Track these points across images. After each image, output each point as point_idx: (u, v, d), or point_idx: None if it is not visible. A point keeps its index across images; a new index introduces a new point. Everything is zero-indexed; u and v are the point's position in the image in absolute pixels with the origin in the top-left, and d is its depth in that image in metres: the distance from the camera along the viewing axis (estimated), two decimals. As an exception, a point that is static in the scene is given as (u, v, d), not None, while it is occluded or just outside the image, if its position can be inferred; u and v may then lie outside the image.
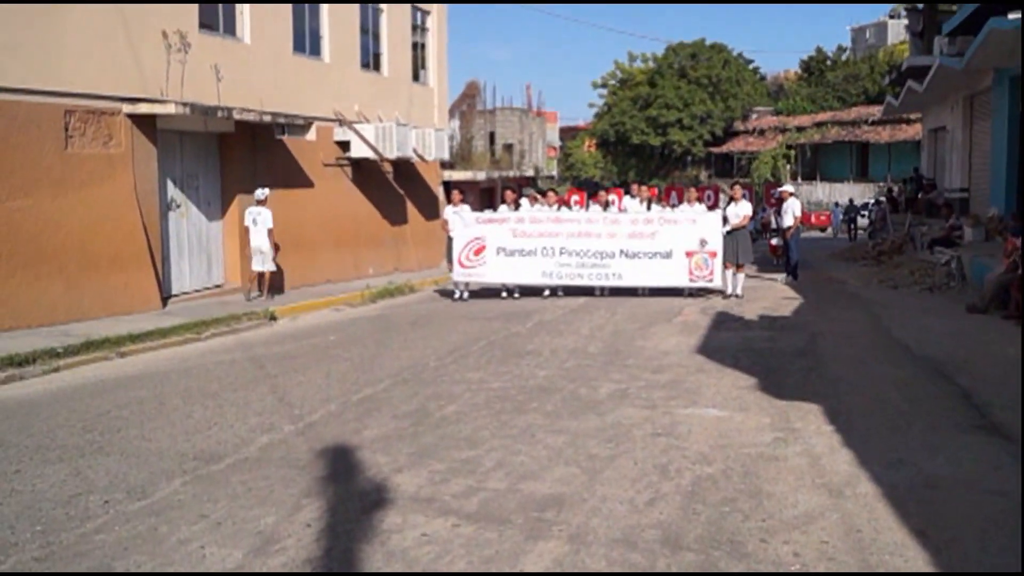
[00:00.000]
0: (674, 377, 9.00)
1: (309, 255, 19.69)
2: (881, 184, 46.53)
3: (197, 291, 17.23)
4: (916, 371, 9.14)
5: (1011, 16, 13.89)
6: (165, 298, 15.80)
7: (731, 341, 11.27)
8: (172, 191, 16.59)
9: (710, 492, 5.48)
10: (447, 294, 17.52)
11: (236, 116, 16.45)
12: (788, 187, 20.42)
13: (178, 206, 16.74)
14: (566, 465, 6.10)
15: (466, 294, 16.81)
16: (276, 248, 16.86)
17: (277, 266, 17.33)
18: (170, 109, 14.98)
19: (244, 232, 16.96)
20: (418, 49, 26.17)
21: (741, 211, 16.35)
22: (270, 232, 16.46)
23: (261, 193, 16.71)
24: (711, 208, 19.14)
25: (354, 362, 10.47)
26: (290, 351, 11.52)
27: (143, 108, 14.98)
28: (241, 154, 18.04)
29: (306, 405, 8.20)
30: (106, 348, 11.65)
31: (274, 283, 17.33)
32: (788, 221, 18.42)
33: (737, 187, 17.20)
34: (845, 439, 6.55)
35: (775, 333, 11.84)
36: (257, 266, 16.72)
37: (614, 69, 64.90)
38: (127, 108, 14.84)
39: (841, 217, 37.80)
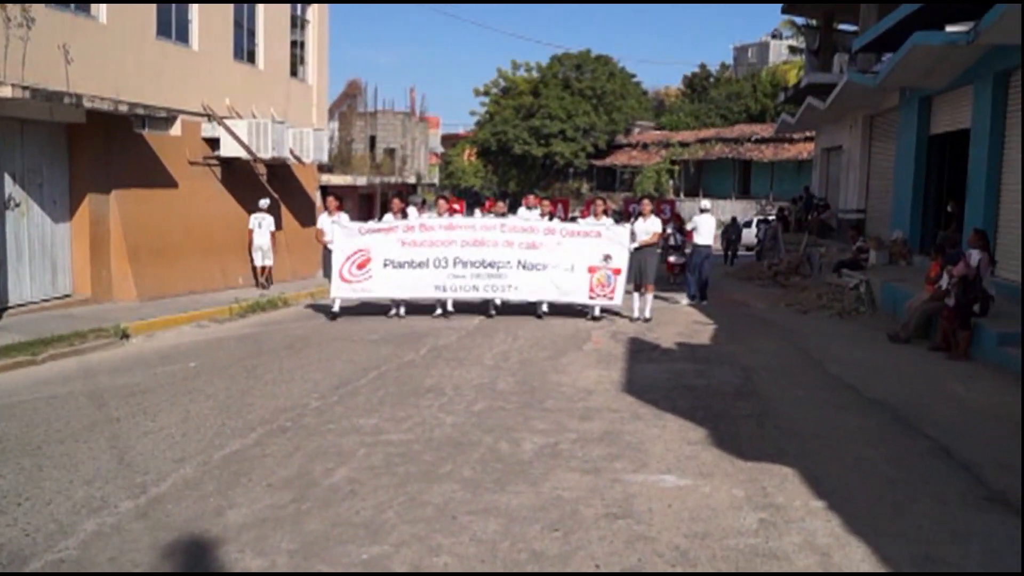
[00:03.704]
0: (608, 427, 7.58)
1: (171, 262, 17.69)
2: (763, 202, 46.49)
3: (41, 302, 15.17)
4: (878, 420, 7.98)
5: (949, 29, 13.05)
6: (0, 310, 13.72)
7: (658, 376, 9.96)
8: (10, 187, 14.42)
9: (709, 616, 4.07)
10: (324, 309, 15.76)
11: (87, 104, 14.39)
12: (705, 202, 19.41)
13: (17, 204, 14.62)
14: (506, 571, 4.61)
15: (336, 309, 15.10)
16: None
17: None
18: (6, 92, 12.81)
19: (248, 234, 19.82)
20: (298, 47, 24.35)
21: (651, 227, 15.09)
22: (273, 235, 19.97)
23: (264, 203, 20.10)
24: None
25: (219, 400, 8.70)
26: (141, 383, 9.62)
27: (-26, 91, 12.87)
28: (93, 148, 16.02)
29: (152, 467, 6.45)
30: (-83, 376, 9.71)
31: (271, 276, 20.27)
32: (706, 239, 17.33)
33: (646, 201, 15.97)
34: (846, 522, 5.26)
35: (702, 366, 10.58)
36: (259, 261, 19.90)
37: (497, 77, 63.60)
38: (-45, 90, 12.71)
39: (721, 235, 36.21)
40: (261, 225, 19.83)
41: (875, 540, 4.98)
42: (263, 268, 20.01)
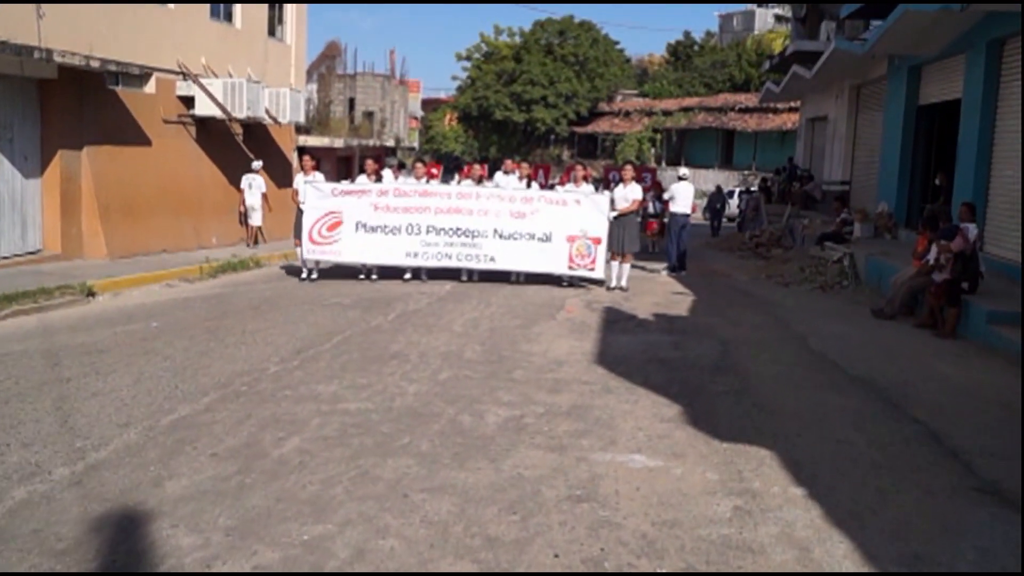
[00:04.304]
0: (577, 400, 7.20)
1: (144, 221, 17.28)
2: (746, 172, 46.11)
3: (13, 257, 14.77)
4: (862, 399, 7.61)
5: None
6: (-31, 265, 13.31)
7: (632, 348, 9.57)
8: (-21, 143, 13.97)
9: (676, 616, 3.69)
10: (295, 271, 15.30)
11: (57, 59, 13.89)
12: (683, 170, 18.94)
13: (-14, 160, 14.16)
14: (457, 558, 4.22)
15: (315, 274, 14.68)
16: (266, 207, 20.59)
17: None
18: (-26, 45, 12.35)
19: (240, 194, 20.23)
20: (276, 8, 23.69)
21: (631, 194, 14.68)
22: (264, 195, 20.23)
23: (256, 165, 20.45)
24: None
25: (175, 362, 8.27)
26: (99, 342, 9.17)
27: (-58, 44, 12.33)
28: (65, 104, 15.52)
29: (96, 431, 6.04)
30: None
31: (260, 235, 20.71)
32: (683, 208, 16.89)
33: (628, 167, 15.52)
34: (828, 513, 4.89)
35: (679, 338, 10.20)
36: (253, 222, 20.41)
37: (479, 42, 62.77)
38: (-78, 44, 12.17)
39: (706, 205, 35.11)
40: (252, 186, 20.16)
41: (859, 534, 4.60)
42: (253, 227, 20.48)
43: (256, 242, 20.45)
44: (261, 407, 6.75)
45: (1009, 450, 6.26)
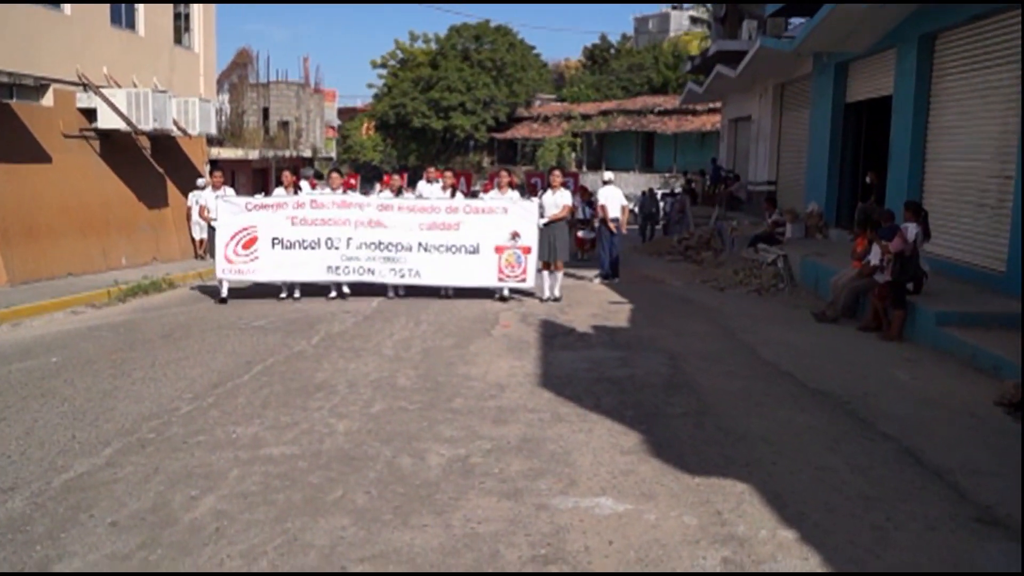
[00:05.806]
0: (527, 432, 6.53)
1: (45, 243, 16.20)
2: (667, 175, 46.00)
3: None
4: (828, 415, 7.10)
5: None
6: None
7: (576, 366, 8.95)
8: None
9: None
10: (212, 292, 14.39)
11: (-59, 71, 12.86)
12: (608, 174, 18.37)
13: None
14: (409, 650, 3.55)
15: (224, 292, 13.76)
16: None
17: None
18: None
19: (187, 210, 20.63)
20: (182, 19, 22.66)
21: (560, 200, 14.12)
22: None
23: (202, 181, 19.87)
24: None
25: (74, 405, 7.37)
26: (-12, 383, 8.26)
27: None
28: (-47, 119, 14.39)
29: (-28, 500, 5.19)
30: None
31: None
32: (613, 213, 16.33)
33: (557, 172, 14.93)
34: (827, 560, 4.31)
35: (624, 353, 9.61)
36: (197, 235, 20.75)
37: (395, 49, 62.10)
38: None
39: (637, 209, 33.61)
40: (199, 202, 19.45)
41: (867, 586, 4.05)
42: (201, 241, 20.69)
43: (205, 256, 20.03)
44: (171, 458, 5.94)
45: (990, 464, 5.88)
